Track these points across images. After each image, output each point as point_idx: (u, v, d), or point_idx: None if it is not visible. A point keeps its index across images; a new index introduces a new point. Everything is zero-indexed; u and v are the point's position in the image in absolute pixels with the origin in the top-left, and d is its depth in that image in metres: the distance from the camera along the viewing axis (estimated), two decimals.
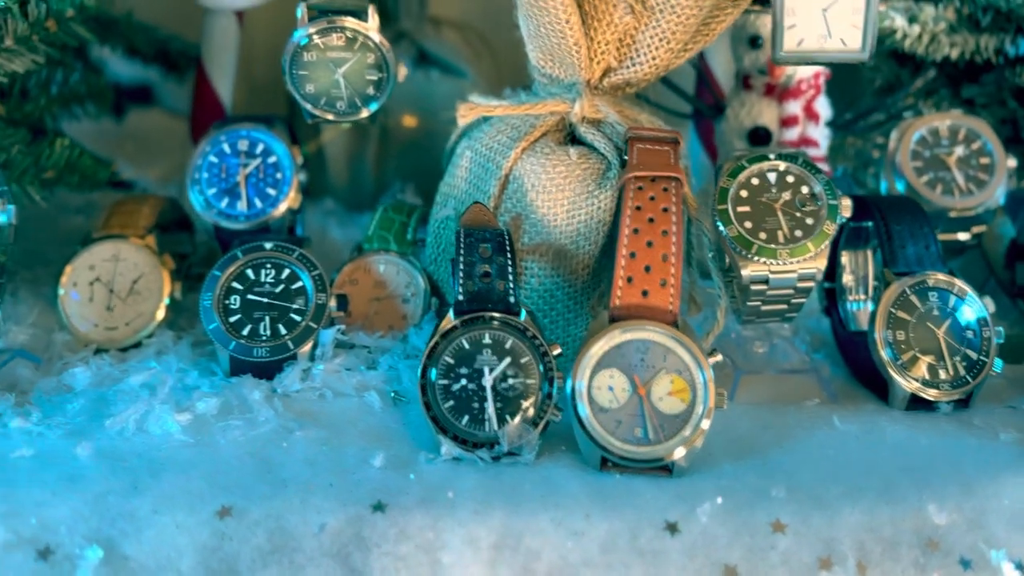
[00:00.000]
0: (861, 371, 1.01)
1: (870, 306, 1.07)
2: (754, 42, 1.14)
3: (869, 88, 1.34)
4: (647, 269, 0.81)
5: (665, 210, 0.82)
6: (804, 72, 1.15)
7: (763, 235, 0.91)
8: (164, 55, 1.42)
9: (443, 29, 1.58)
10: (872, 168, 1.33)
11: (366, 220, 1.42)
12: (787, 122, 1.16)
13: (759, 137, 1.16)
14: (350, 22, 0.96)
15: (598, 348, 0.79)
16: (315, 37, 0.96)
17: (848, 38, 0.82)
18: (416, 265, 1.05)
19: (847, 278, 1.08)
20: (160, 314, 1.02)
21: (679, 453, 0.77)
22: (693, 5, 0.91)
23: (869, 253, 1.08)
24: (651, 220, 0.82)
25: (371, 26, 0.96)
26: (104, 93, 1.31)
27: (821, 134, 1.18)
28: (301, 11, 0.95)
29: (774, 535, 0.71)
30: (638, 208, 0.83)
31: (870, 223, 1.04)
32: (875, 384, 0.97)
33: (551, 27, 0.91)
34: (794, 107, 1.15)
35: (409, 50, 1.42)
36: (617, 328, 0.80)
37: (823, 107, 1.18)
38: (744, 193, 0.92)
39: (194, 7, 1.26)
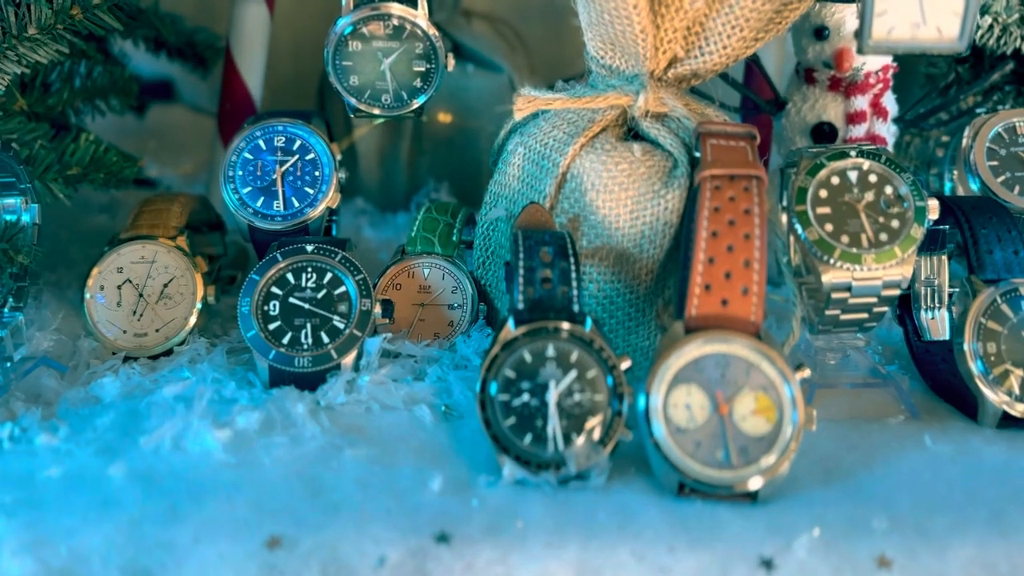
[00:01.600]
0: (940, 384, 0.94)
1: (946, 315, 1.00)
2: (819, 33, 1.07)
3: (920, 82, 1.28)
4: (727, 276, 0.75)
5: (747, 211, 0.76)
6: (873, 65, 1.08)
7: (845, 239, 0.84)
8: (190, 48, 1.36)
9: (475, 22, 1.52)
10: (935, 168, 1.26)
11: (400, 220, 1.37)
12: (854, 118, 1.09)
13: (823, 133, 1.09)
14: (397, 9, 0.89)
15: (674, 362, 0.73)
16: (360, 25, 0.89)
17: (945, 26, 0.76)
18: (463, 269, 0.99)
19: (920, 284, 1.02)
20: (193, 320, 0.96)
21: (764, 479, 0.71)
22: None
23: (944, 258, 1.01)
24: (731, 223, 0.76)
25: (420, 13, 0.90)
26: (129, 87, 1.26)
27: (888, 131, 1.12)
28: None
29: (879, 571, 0.65)
30: (716, 209, 0.76)
31: (946, 226, 0.97)
32: (957, 398, 0.90)
33: (616, 13, 0.84)
34: (861, 102, 1.08)
35: (444, 44, 1.36)
36: (695, 340, 0.73)
37: (891, 103, 1.11)
38: (824, 193, 0.85)
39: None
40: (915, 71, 1.28)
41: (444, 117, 1.39)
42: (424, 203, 1.06)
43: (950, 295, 1.01)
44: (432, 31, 0.91)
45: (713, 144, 0.82)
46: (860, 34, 0.79)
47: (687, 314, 0.75)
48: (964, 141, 1.07)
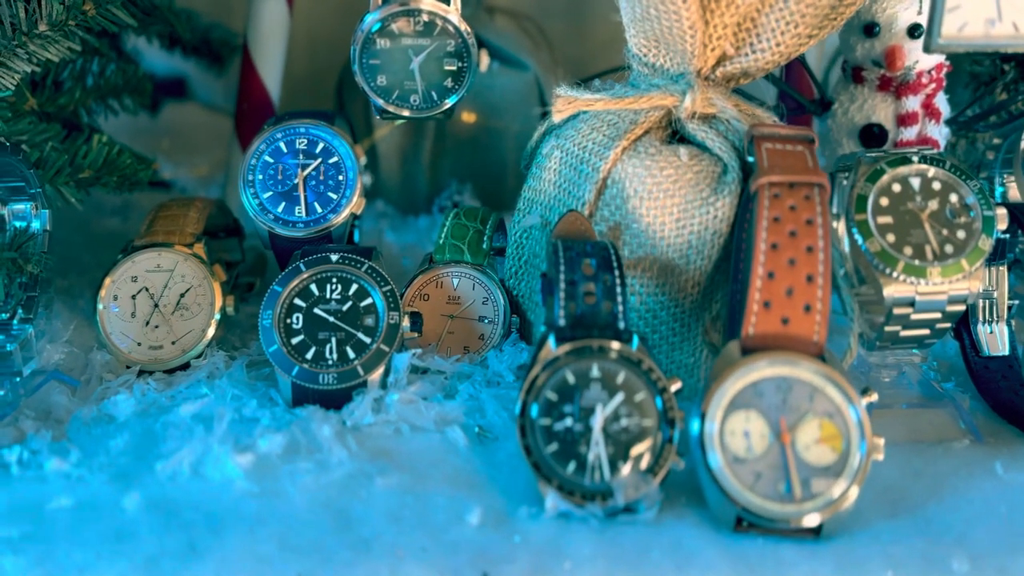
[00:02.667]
0: (1001, 403, 0.89)
1: (1005, 328, 0.94)
2: (870, 30, 1.01)
3: (963, 80, 1.22)
4: (788, 292, 0.69)
5: (809, 222, 0.70)
6: (925, 64, 1.03)
7: (909, 250, 0.78)
8: (205, 44, 1.32)
9: (498, 17, 1.47)
10: (985, 171, 1.20)
11: (422, 223, 1.32)
12: (905, 120, 1.03)
13: (872, 135, 1.04)
14: (428, 4, 0.84)
15: (732, 385, 0.67)
16: (388, 22, 0.84)
17: (1023, 22, 0.70)
18: (494, 279, 0.94)
19: (978, 296, 0.96)
20: (211, 331, 0.91)
21: (830, 513, 0.65)
22: None
23: (1004, 268, 0.96)
24: (793, 234, 0.70)
25: (452, 8, 0.85)
26: (143, 85, 1.21)
27: (940, 134, 1.06)
28: None
29: None
30: (776, 219, 0.71)
31: (1007, 235, 0.92)
32: (1020, 417, 0.85)
33: (664, 8, 0.79)
34: (913, 103, 1.03)
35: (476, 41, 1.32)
36: (755, 362, 0.68)
37: (943, 104, 1.06)
38: (885, 201, 0.80)
39: None
40: (959, 68, 1.22)
41: (467, 116, 1.34)
42: (451, 208, 1.00)
43: (1010, 308, 0.95)
44: (464, 27, 0.86)
45: (769, 148, 0.76)
46: (928, 31, 0.73)
47: (744, 333, 0.70)
48: (1023, 144, 1.01)
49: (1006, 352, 0.93)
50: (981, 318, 0.96)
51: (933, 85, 1.05)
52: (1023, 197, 1.02)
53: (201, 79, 1.48)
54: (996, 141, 1.20)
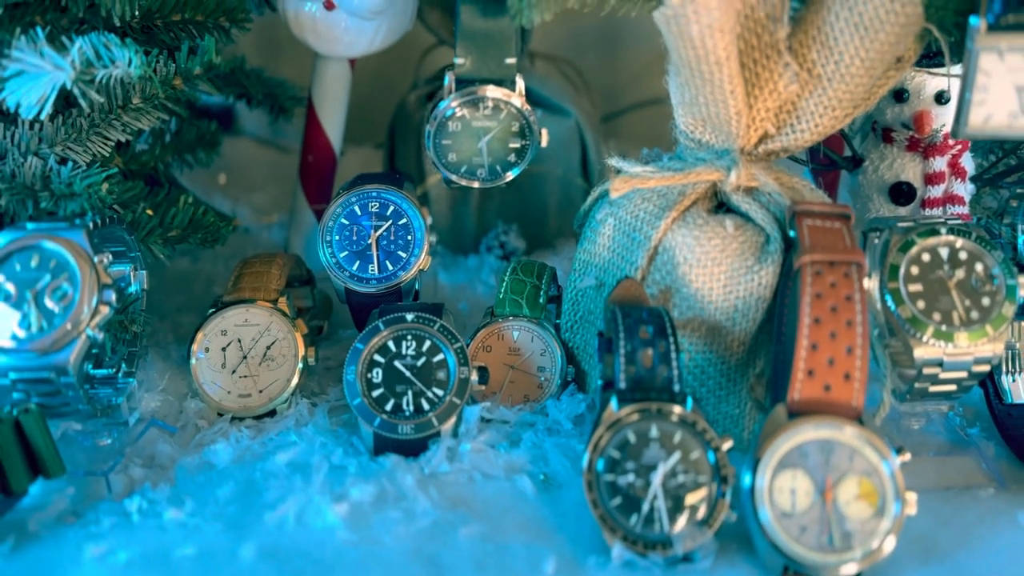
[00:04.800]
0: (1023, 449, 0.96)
1: None
2: (899, 96, 1.08)
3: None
4: (830, 362, 0.77)
5: (848, 298, 0.78)
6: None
7: (937, 316, 0.86)
8: (271, 98, 1.40)
9: (538, 63, 1.54)
10: (1008, 217, 1.27)
11: (471, 263, 1.40)
12: (932, 179, 1.10)
13: (902, 192, 1.11)
14: (494, 91, 0.92)
15: (781, 446, 0.75)
16: (460, 109, 0.92)
17: None
18: (550, 331, 1.02)
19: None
20: (295, 380, 1.00)
21: (868, 563, 0.73)
22: (865, 73, 0.86)
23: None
24: (834, 309, 0.78)
25: (516, 93, 0.93)
26: (215, 139, 1.30)
27: (966, 190, 1.13)
28: (448, 80, 0.92)
29: None
30: (818, 295, 0.78)
31: None
32: None
33: (712, 96, 0.87)
34: (940, 163, 1.10)
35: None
36: (802, 425, 0.76)
37: (968, 162, 1.13)
38: (915, 270, 0.87)
39: (304, 49, 1.23)
40: None
41: None
42: (509, 264, 1.09)
43: None
44: (527, 109, 0.94)
45: (810, 225, 0.84)
46: (957, 120, 0.81)
47: (790, 398, 0.78)
48: None
49: None
50: (1005, 369, 1.03)
51: (959, 146, 1.11)
52: None
53: (247, 111, 1.55)
54: (1020, 190, 1.27)
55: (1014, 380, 1.03)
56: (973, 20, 0.76)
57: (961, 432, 0.98)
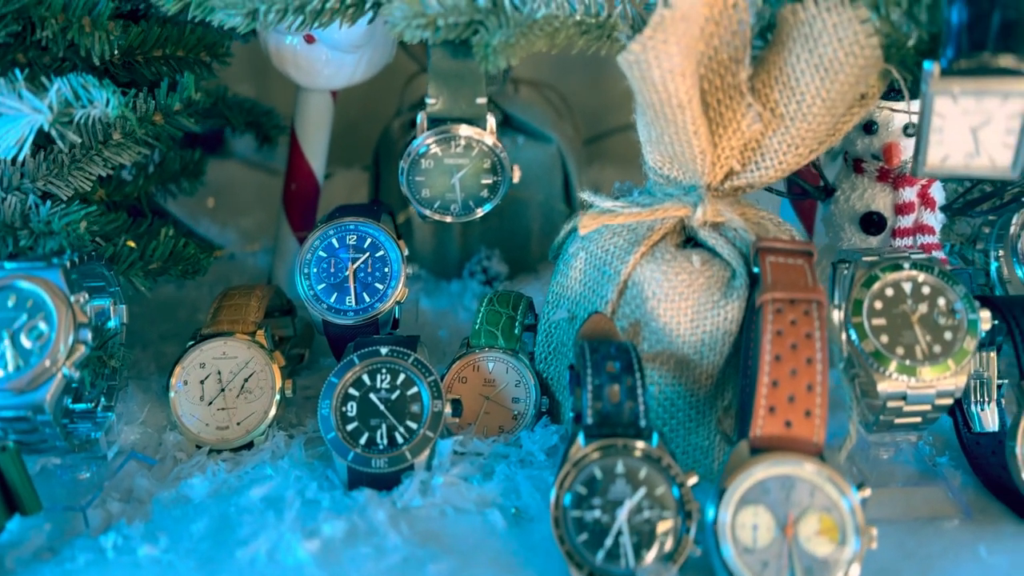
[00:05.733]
0: (990, 478, 0.97)
1: (995, 408, 1.03)
2: (869, 128, 1.10)
3: None
4: (791, 399, 0.79)
5: (808, 336, 0.79)
6: None
7: (900, 350, 0.87)
8: (256, 126, 1.42)
9: (522, 89, 1.56)
10: (981, 243, 1.28)
11: (454, 288, 1.42)
12: (902, 209, 1.12)
13: (872, 222, 1.12)
14: (466, 130, 0.94)
15: (742, 483, 0.77)
16: (433, 146, 0.94)
17: (998, 157, 0.79)
18: (525, 362, 1.03)
19: (970, 378, 1.04)
20: (272, 412, 1.01)
21: None
22: (826, 112, 0.88)
23: (993, 354, 1.04)
24: (794, 346, 0.79)
25: (487, 131, 0.95)
26: (198, 168, 1.31)
27: (936, 220, 1.14)
28: (421, 118, 0.94)
29: None
30: (779, 333, 0.80)
31: (996, 321, 1.00)
32: (1007, 492, 0.93)
33: (676, 136, 0.89)
34: (909, 193, 1.11)
35: (495, 115, 1.40)
36: (762, 462, 0.77)
37: (938, 192, 1.14)
38: (879, 305, 0.89)
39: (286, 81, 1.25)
40: None
41: None
42: (487, 294, 1.10)
43: (999, 387, 1.03)
44: (499, 147, 0.96)
45: (772, 262, 0.86)
46: (915, 159, 0.82)
47: (752, 434, 0.79)
48: (1012, 229, 1.10)
49: (996, 428, 1.02)
50: (973, 398, 1.04)
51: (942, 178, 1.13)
52: (1008, 275, 1.10)
53: (237, 135, 1.56)
54: (992, 217, 1.29)
55: (983, 409, 1.04)
56: (927, 64, 0.78)
57: (929, 462, 1.00)
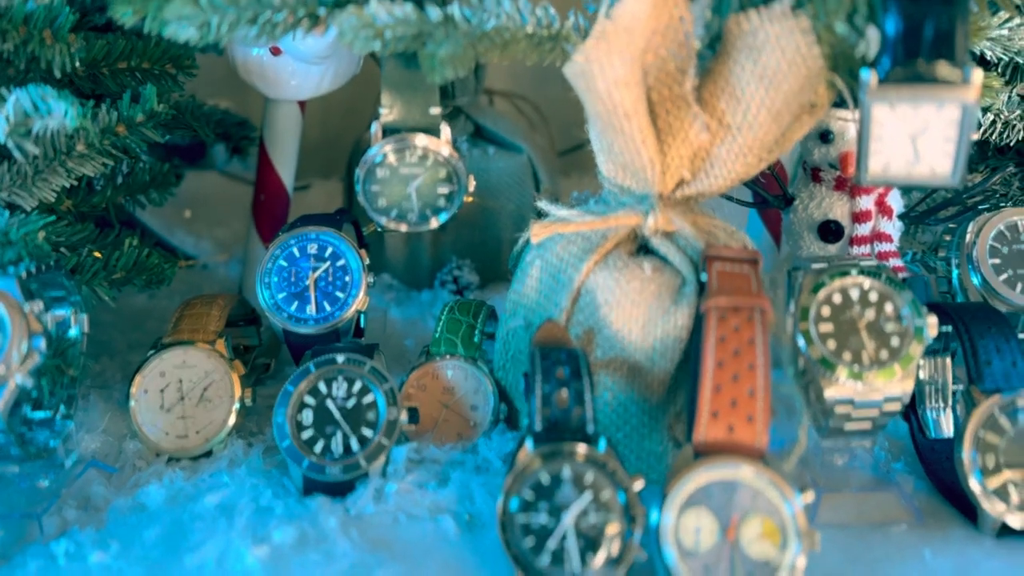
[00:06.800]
0: (943, 483, 0.98)
1: (950, 413, 1.04)
2: (825, 137, 1.11)
3: None
4: (733, 404, 0.79)
5: (751, 342, 0.80)
6: None
7: (848, 355, 0.88)
8: (226, 137, 1.43)
9: (496, 100, 1.57)
10: (942, 250, 1.30)
11: (424, 297, 1.43)
12: (859, 217, 1.13)
13: (830, 230, 1.14)
14: (422, 139, 0.95)
15: (684, 487, 0.77)
16: (389, 155, 0.95)
17: (938, 165, 0.80)
18: (484, 370, 1.04)
19: (925, 383, 1.05)
20: (231, 421, 1.02)
21: None
22: (772, 122, 0.89)
23: (948, 360, 1.05)
24: (736, 352, 0.80)
25: (443, 141, 0.96)
26: (168, 179, 1.32)
27: (894, 227, 1.16)
28: (375, 128, 0.95)
29: None
30: (722, 339, 0.81)
31: (949, 327, 1.01)
32: (959, 497, 0.94)
33: (625, 146, 0.90)
34: (866, 202, 1.13)
35: (466, 126, 1.42)
36: (704, 466, 0.78)
37: (895, 200, 1.16)
38: (826, 311, 0.90)
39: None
40: None
41: (466, 197, 1.44)
42: (448, 303, 1.11)
43: (954, 393, 1.04)
44: (454, 156, 0.97)
45: (719, 270, 0.87)
46: (858, 167, 0.83)
47: (696, 439, 0.80)
48: (968, 237, 1.11)
49: (951, 435, 1.03)
50: (929, 404, 1.05)
51: (885, 186, 1.14)
52: (965, 282, 1.11)
53: (219, 146, 1.57)
54: (953, 225, 1.30)
55: (938, 415, 1.05)
56: (864, 73, 0.79)
57: (884, 468, 1.00)
